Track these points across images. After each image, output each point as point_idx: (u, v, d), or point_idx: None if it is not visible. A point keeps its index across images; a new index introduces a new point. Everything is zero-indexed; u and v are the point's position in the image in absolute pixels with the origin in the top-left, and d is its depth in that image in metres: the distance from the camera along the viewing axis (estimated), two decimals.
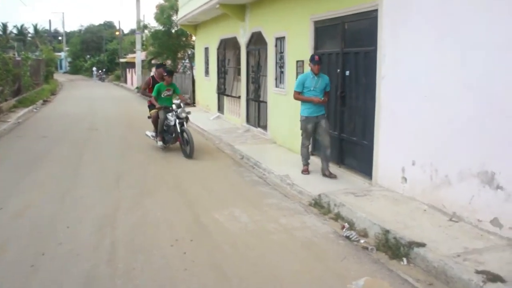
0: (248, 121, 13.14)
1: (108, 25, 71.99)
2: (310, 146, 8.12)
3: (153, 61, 30.10)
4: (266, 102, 11.66)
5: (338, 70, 8.06)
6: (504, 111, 4.88)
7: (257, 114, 12.53)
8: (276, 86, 10.96)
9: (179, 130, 9.74)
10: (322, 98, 7.59)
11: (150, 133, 11.03)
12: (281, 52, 10.63)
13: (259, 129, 12.22)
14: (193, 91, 20.77)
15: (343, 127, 8.02)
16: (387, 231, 5.12)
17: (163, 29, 24.90)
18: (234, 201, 6.61)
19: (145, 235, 5.33)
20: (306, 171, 7.89)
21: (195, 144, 9.77)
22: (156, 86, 10.23)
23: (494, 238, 4.93)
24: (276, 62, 10.92)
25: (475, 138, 5.23)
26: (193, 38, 21.66)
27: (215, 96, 16.58)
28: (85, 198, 6.76)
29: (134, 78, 36.88)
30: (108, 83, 47.06)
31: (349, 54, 7.76)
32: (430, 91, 5.85)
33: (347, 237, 5.33)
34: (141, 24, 31.76)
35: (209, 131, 12.90)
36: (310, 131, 7.72)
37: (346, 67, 7.86)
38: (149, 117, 10.91)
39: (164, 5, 24.91)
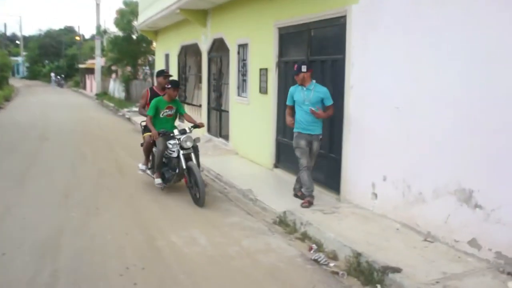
0: (209, 131, 12.56)
1: (69, 30, 69.83)
2: (310, 165, 6.42)
3: (113, 67, 29.22)
4: (228, 111, 11.13)
5: None
6: (483, 125, 4.52)
7: (218, 124, 11.97)
8: (239, 95, 10.46)
9: (184, 165, 6.87)
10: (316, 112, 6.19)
11: (142, 166, 8.00)
12: (244, 60, 10.14)
13: (220, 139, 11.66)
14: None
15: None
16: (359, 254, 4.65)
17: (123, 35, 24.14)
18: (193, 221, 6.02)
19: (91, 263, 4.66)
20: (307, 203, 6.20)
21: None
22: (153, 101, 7.39)
23: (472, 260, 4.54)
24: (239, 70, 10.41)
25: (452, 153, 4.84)
26: (154, 44, 20.93)
27: None
28: (28, 219, 6.01)
29: (94, 84, 35.78)
30: (67, 89, 45.53)
31: (315, 63, 7.31)
32: (402, 102, 5.45)
33: (316, 260, 4.83)
34: (101, 29, 30.86)
35: None
36: (303, 147, 6.29)
37: (312, 76, 7.39)
38: (142, 144, 8.02)
39: (125, 10, 24.20)
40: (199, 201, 6.64)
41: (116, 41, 24.44)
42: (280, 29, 8.33)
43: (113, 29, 25.35)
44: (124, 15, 23.88)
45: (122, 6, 24.77)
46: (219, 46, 11.67)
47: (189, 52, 14.56)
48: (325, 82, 6.98)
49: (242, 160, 9.65)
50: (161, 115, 7.38)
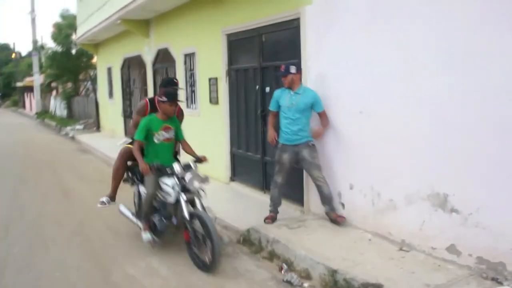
0: None
1: (4, 47, 66.71)
2: (281, 186, 5.78)
3: (52, 84, 27.93)
4: None
5: (257, 87, 7.22)
6: (456, 127, 4.26)
7: None
8: (188, 107, 9.92)
9: (186, 214, 4.91)
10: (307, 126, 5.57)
11: (124, 209, 6.09)
12: (191, 70, 9.64)
13: None
14: (97, 115, 19.13)
15: (267, 148, 7.14)
16: (335, 271, 4.27)
17: (61, 50, 23.07)
18: (149, 248, 5.38)
19: None
20: (269, 218, 5.70)
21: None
22: (143, 121, 5.29)
23: (453, 268, 4.27)
24: (186, 81, 9.89)
25: (423, 157, 4.56)
26: (95, 58, 20.05)
27: (121, 119, 15.16)
28: None
29: (33, 103, 34.09)
30: (4, 110, 43.35)
31: (268, 69, 6.94)
32: (366, 106, 5.14)
33: (289, 282, 4.42)
34: (38, 44, 29.50)
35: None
36: (285, 162, 5.62)
37: (266, 83, 7.04)
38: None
39: (62, 23, 23.15)
40: (211, 265, 4.62)
41: (54, 57, 23.29)
42: (228, 35, 7.91)
43: (51, 44, 24.20)
44: (61, 29, 22.84)
45: (59, 20, 23.71)
46: (164, 57, 11.12)
47: (132, 65, 13.90)
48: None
49: None
50: (155, 140, 5.22)
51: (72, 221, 6.72)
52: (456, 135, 4.26)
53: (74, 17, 19.84)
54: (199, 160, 5.39)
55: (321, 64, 5.72)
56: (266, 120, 7.02)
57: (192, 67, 9.58)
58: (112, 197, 6.06)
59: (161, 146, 5.29)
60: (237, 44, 7.80)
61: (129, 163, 5.92)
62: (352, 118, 5.33)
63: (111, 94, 16.64)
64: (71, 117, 24.08)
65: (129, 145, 5.74)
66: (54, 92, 30.16)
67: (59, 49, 23.29)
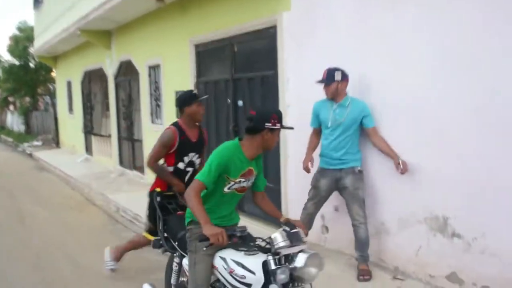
0: (121, 163, 11.14)
1: None
2: (312, 215, 4.65)
3: (9, 99, 26.59)
4: (141, 141, 9.86)
5: (229, 101, 6.65)
6: (456, 142, 3.81)
7: (131, 155, 10.60)
8: (153, 122, 9.26)
9: None
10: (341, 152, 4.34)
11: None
12: (156, 82, 8.98)
13: (135, 172, 10.31)
14: (57, 130, 18.11)
15: None
16: None
17: (19, 63, 21.98)
18: (114, 280, 4.66)
19: None
20: None
21: (60, 198, 6.22)
22: (222, 154, 2.90)
23: None
24: (151, 94, 9.22)
25: (419, 176, 4.08)
26: (54, 71, 19.07)
27: (81, 135, 14.25)
28: None
29: None
30: None
31: (241, 81, 6.38)
32: None
33: None
34: None
35: (77, 177, 10.55)
36: (322, 189, 4.50)
37: (238, 96, 6.47)
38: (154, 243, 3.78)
39: (19, 35, 22.05)
40: None
41: (11, 70, 22.12)
42: (197, 45, 7.32)
43: (8, 57, 23.00)
44: (18, 42, 21.71)
45: (16, 32, 22.56)
46: (127, 69, 10.41)
47: (93, 78, 13.09)
48: (255, 102, 6.08)
49: None
50: (225, 189, 2.97)
51: (30, 255, 5.78)
52: (455, 153, 3.80)
53: (32, 29, 18.83)
54: (292, 226, 2.78)
55: (301, 75, 5.20)
56: (239, 135, 6.46)
57: (157, 80, 8.93)
58: (118, 258, 4.81)
59: (229, 197, 3.02)
60: (206, 54, 7.21)
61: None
62: None
63: (71, 108, 15.71)
64: (29, 133, 22.83)
65: (158, 189, 4.10)
66: (11, 107, 28.73)
67: (16, 62, 22.16)
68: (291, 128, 3.10)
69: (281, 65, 5.46)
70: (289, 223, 2.83)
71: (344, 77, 4.32)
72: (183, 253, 3.24)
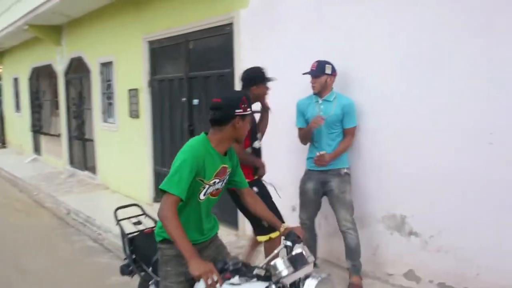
0: (72, 163, 10.69)
1: None
2: (309, 226, 4.24)
3: None
4: (93, 140, 9.50)
5: (184, 99, 6.47)
6: (413, 141, 3.80)
7: (82, 155, 10.17)
8: (105, 121, 8.93)
9: None
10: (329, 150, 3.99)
11: None
12: (109, 80, 8.66)
13: (86, 172, 9.91)
14: (3, 129, 17.25)
15: None
16: None
17: None
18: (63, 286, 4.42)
19: None
20: None
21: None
22: (189, 154, 2.33)
23: None
24: (103, 93, 8.89)
25: (376, 175, 4.06)
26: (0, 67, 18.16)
27: (29, 134, 13.63)
28: None
29: None
30: None
31: (196, 79, 6.22)
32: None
33: None
34: None
35: (24, 178, 10.00)
36: (310, 195, 4.13)
37: (194, 95, 6.30)
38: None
39: None
40: None
41: None
42: (151, 42, 7.09)
43: None
44: None
45: None
46: (78, 66, 10.00)
47: (42, 75, 12.51)
48: (210, 101, 5.91)
49: (115, 196, 8.04)
50: (200, 196, 2.43)
51: None
52: (412, 152, 3.80)
53: None
54: (293, 238, 2.40)
55: None
56: (194, 135, 6.28)
57: (109, 78, 8.61)
58: None
59: (205, 205, 2.49)
60: (160, 52, 6.99)
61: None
62: (292, 132, 4.72)
63: (18, 106, 15.00)
64: None
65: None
66: None
67: None
68: (266, 109, 2.73)
69: (238, 63, 5.33)
70: (290, 234, 2.40)
71: (334, 71, 4.06)
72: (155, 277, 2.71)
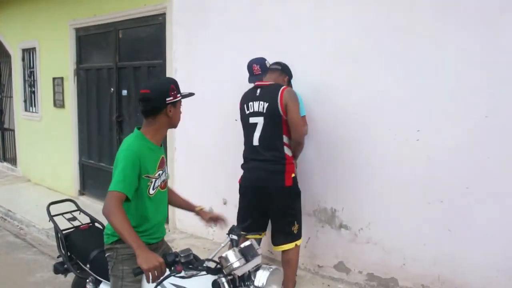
0: None
1: None
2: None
3: None
4: (13, 130, 8.84)
5: (112, 89, 6.14)
6: (339, 135, 3.81)
7: (1, 145, 9.43)
8: (26, 110, 8.33)
9: None
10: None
11: None
12: (32, 68, 8.07)
13: (5, 163, 9.19)
14: None
15: None
16: None
17: None
18: None
19: None
20: None
21: None
22: (129, 151, 2.24)
23: (342, 286, 3.83)
24: (25, 80, 8.27)
25: (307, 170, 4.04)
26: None
27: None
28: None
29: None
30: None
31: (126, 69, 5.91)
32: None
33: None
34: None
35: None
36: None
37: (123, 86, 6.00)
38: None
39: None
40: None
41: None
42: (77, 29, 6.66)
43: None
44: None
45: None
46: None
47: None
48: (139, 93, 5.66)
49: (38, 189, 7.52)
50: (150, 191, 2.31)
51: None
52: (338, 146, 3.81)
53: None
54: (238, 232, 2.31)
55: (190, 66, 4.90)
56: (123, 126, 6.02)
57: (32, 64, 8.02)
58: None
59: (157, 199, 2.38)
60: (88, 40, 6.59)
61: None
62: (227, 126, 4.59)
63: None
64: None
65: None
66: None
67: None
68: (192, 94, 2.64)
69: (169, 55, 5.11)
70: (233, 229, 2.30)
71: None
72: (99, 278, 2.57)
